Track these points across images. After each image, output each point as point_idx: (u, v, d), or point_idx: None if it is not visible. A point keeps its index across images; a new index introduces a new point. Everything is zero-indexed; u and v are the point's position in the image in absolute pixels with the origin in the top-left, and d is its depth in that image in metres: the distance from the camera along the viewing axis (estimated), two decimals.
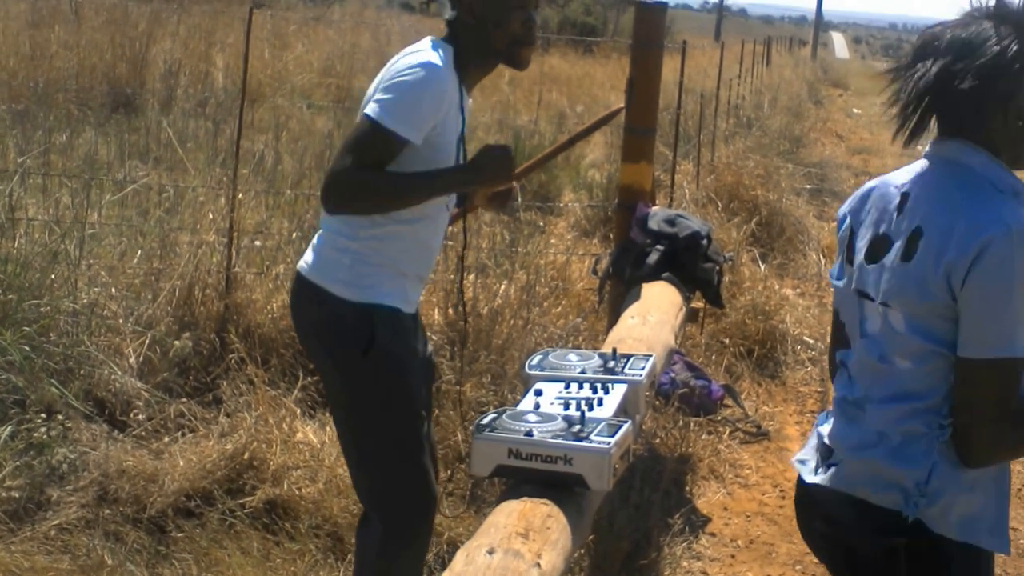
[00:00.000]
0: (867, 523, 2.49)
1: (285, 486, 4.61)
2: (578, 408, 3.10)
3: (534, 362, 3.53)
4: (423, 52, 3.26)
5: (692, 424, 5.93)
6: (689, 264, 5.29)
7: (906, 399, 2.44)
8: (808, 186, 13.08)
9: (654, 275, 5.20)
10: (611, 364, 3.51)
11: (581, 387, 3.34)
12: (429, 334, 5.62)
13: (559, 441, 2.87)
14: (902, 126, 2.47)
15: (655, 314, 4.73)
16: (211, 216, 6.15)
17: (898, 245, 2.45)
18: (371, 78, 3.35)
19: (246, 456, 4.68)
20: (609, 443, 2.85)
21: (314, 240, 3.45)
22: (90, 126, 11.80)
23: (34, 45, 14.54)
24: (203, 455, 4.67)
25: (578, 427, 2.96)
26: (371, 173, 3.17)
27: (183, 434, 4.90)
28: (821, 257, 10.29)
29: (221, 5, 19.68)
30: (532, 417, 3.01)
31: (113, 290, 5.63)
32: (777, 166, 11.77)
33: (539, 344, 5.66)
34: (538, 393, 3.27)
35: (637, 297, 5.01)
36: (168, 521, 4.46)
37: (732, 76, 15.42)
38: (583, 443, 2.85)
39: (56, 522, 4.38)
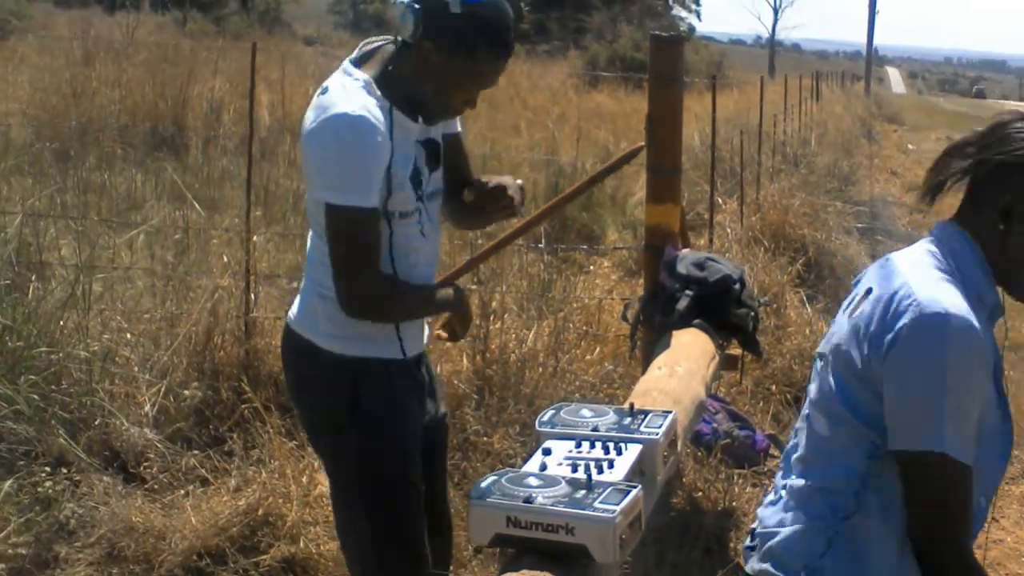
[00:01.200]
0: None
1: (302, 543, 4.43)
2: (586, 470, 2.93)
3: (545, 418, 3.36)
4: (337, 102, 2.93)
5: (735, 476, 5.71)
6: (721, 309, 5.10)
7: (813, 472, 2.38)
8: (859, 225, 12.84)
9: (684, 322, 5.01)
10: (626, 421, 3.33)
11: (593, 446, 3.15)
12: (455, 382, 5.51)
13: (560, 509, 2.69)
14: (931, 187, 2.42)
15: (684, 364, 4.54)
16: (225, 259, 6.02)
17: (851, 300, 2.42)
18: None
19: (260, 512, 4.52)
20: (614, 511, 2.67)
21: (301, 284, 3.25)
22: (130, 164, 11.83)
23: (75, 83, 14.57)
24: (215, 511, 4.52)
25: (583, 492, 2.78)
26: (388, 289, 3.04)
27: (195, 488, 4.75)
28: None
29: (264, 43, 19.68)
30: (533, 481, 2.84)
31: (128, 335, 5.52)
32: (824, 204, 11.56)
33: (570, 393, 5.50)
34: (546, 452, 3.09)
35: (667, 345, 4.83)
36: None
37: (779, 112, 15.22)
38: (586, 511, 2.68)
39: None
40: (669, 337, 4.92)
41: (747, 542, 2.58)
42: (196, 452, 4.94)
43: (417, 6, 2.97)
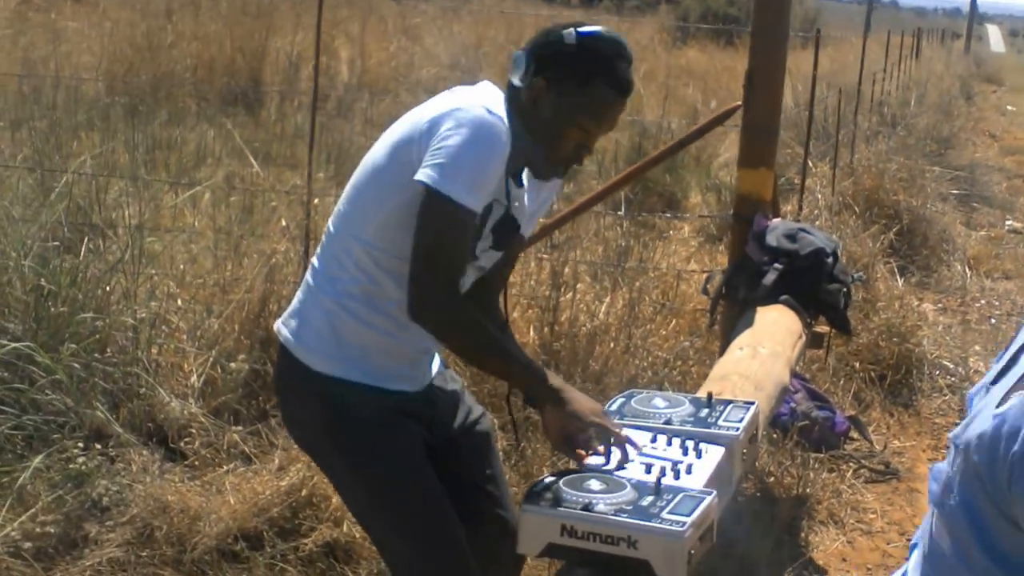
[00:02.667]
0: None
1: (345, 527, 4.15)
2: (661, 474, 2.61)
3: (613, 407, 3.05)
4: (487, 102, 2.68)
5: (812, 461, 5.35)
6: (811, 285, 4.76)
7: None
8: (955, 191, 12.35)
9: (771, 297, 4.68)
10: (703, 413, 3.02)
11: (670, 443, 2.84)
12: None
13: (622, 519, 2.39)
14: None
15: (768, 345, 4.21)
16: (284, 222, 5.74)
17: (1008, 360, 1.62)
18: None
19: (304, 493, 4.24)
20: (684, 523, 2.37)
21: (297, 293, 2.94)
22: (202, 121, 11.62)
23: (151, 36, 14.38)
24: (256, 491, 4.25)
25: (650, 499, 2.47)
26: (478, 323, 2.72)
27: (237, 466, 4.48)
28: (967, 269, 9.65)
29: None
30: (595, 485, 2.53)
31: (179, 301, 5.27)
32: (922, 169, 11.08)
33: (642, 370, 5.16)
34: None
35: (750, 323, 4.50)
36: (210, 566, 4.04)
37: (877, 71, 14.68)
38: (651, 523, 2.37)
39: (90, 563, 4.01)
40: (753, 314, 4.60)
41: None
42: (240, 428, 4.67)
43: (532, 48, 2.79)
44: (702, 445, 2.79)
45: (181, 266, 5.71)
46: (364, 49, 16.19)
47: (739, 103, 5.09)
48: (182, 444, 4.60)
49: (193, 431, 4.61)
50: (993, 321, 8.51)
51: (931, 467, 1.64)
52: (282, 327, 2.89)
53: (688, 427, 2.92)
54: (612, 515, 2.40)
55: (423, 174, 2.59)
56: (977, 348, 7.64)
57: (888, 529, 5.15)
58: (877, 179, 9.59)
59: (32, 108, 9.62)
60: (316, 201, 5.72)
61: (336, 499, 4.20)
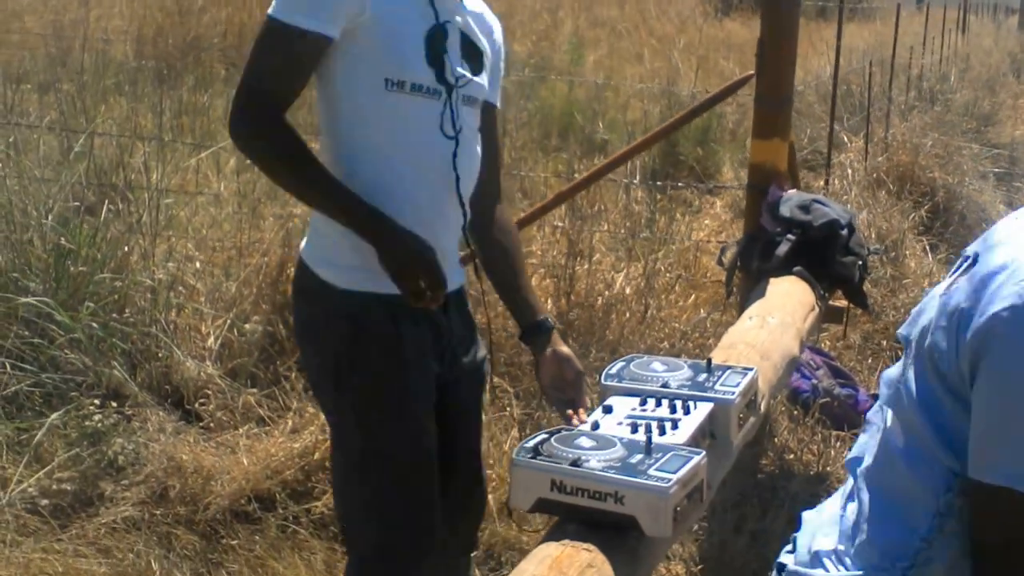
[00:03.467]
0: None
1: None
2: (647, 431, 2.73)
3: (612, 371, 3.16)
4: None
5: (833, 438, 5.42)
6: (825, 257, 4.83)
7: (877, 500, 1.89)
8: (996, 169, 12.31)
9: (783, 268, 4.76)
10: (701, 378, 3.11)
11: (659, 404, 2.94)
12: None
13: (610, 475, 2.50)
14: None
15: (778, 315, 4.30)
16: None
17: (955, 270, 1.90)
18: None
19: (317, 456, 4.38)
20: (670, 480, 2.46)
21: None
22: (231, 86, 11.72)
23: (181, 1, 14.51)
24: (269, 452, 4.40)
25: (639, 456, 2.58)
26: (279, 135, 2.62)
27: (251, 428, 4.63)
28: None
29: None
30: (586, 442, 2.64)
31: (198, 264, 5.42)
32: (960, 146, 11.07)
33: (658, 341, 5.28)
34: (607, 410, 2.90)
35: (762, 294, 4.59)
36: (223, 526, 4.20)
37: (916, 44, 14.66)
38: (638, 478, 2.48)
39: (105, 520, 4.16)
40: (765, 285, 4.68)
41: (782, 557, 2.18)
42: (255, 390, 4.81)
43: None
44: (691, 404, 2.90)
45: (203, 231, 5.84)
46: None
47: (751, 73, 5.14)
48: (197, 405, 4.74)
49: (209, 393, 4.76)
50: None
51: (880, 376, 1.89)
52: (302, 248, 2.89)
53: (684, 391, 3.02)
54: (600, 471, 2.50)
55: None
56: None
57: None
58: (912, 155, 9.60)
59: (60, 71, 9.78)
60: None
61: None
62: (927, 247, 8.26)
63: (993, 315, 1.65)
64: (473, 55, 2.88)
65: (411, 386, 2.83)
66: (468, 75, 2.84)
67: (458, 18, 2.85)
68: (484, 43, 2.94)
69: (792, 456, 5.26)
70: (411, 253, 2.66)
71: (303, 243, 2.88)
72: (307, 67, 2.68)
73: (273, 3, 2.64)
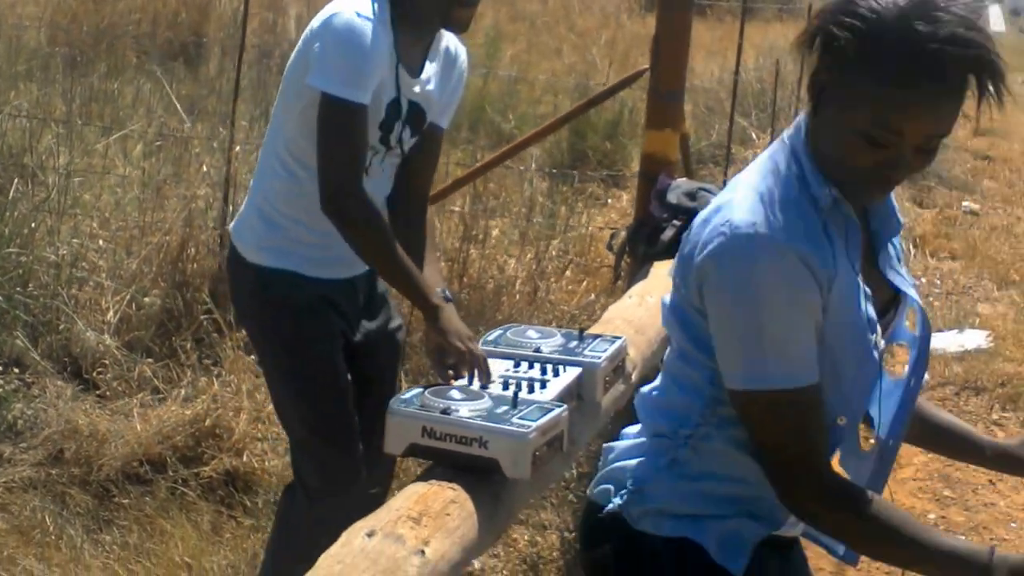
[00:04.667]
0: (582, 532, 2.42)
1: (246, 457, 4.54)
2: (517, 388, 2.99)
3: (490, 338, 3.40)
4: (357, 6, 3.12)
5: None
6: None
7: (662, 387, 2.30)
8: None
9: (668, 253, 5.02)
10: (572, 344, 3.36)
11: (531, 367, 3.20)
12: None
13: (476, 422, 2.75)
14: None
15: (657, 294, 4.56)
16: (205, 168, 6.09)
17: None
18: None
19: (207, 423, 4.62)
20: (530, 427, 2.72)
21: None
22: (142, 74, 11.82)
23: None
24: (162, 419, 4.63)
25: (505, 408, 2.83)
26: (378, 226, 3.13)
27: (146, 396, 4.85)
28: (912, 247, 9.84)
29: None
30: (456, 394, 2.89)
31: (100, 242, 5.61)
32: None
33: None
34: None
35: (645, 276, 4.86)
36: (115, 486, 4.42)
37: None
38: (501, 425, 2.73)
39: (3, 480, 4.36)
40: (650, 267, 4.94)
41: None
42: (151, 361, 5.04)
43: None
44: (560, 367, 3.16)
45: (105, 213, 6.02)
46: (312, 4, 16.35)
47: (646, 67, 5.43)
48: (95, 375, 4.95)
49: (107, 363, 4.96)
50: (930, 299, 8.71)
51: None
52: (232, 226, 3.41)
53: (555, 355, 3.28)
54: (468, 419, 2.76)
55: (310, 78, 3.07)
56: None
57: None
58: None
59: None
60: (237, 149, 6.04)
61: (238, 430, 4.60)
62: None
63: (706, 253, 2.06)
64: (417, 120, 3.33)
65: (325, 328, 3.35)
66: (407, 137, 3.33)
67: (416, 89, 3.28)
68: (433, 98, 3.36)
69: None
70: (460, 340, 3.14)
71: (233, 227, 3.40)
72: (367, 135, 3.14)
73: (320, 75, 3.06)
